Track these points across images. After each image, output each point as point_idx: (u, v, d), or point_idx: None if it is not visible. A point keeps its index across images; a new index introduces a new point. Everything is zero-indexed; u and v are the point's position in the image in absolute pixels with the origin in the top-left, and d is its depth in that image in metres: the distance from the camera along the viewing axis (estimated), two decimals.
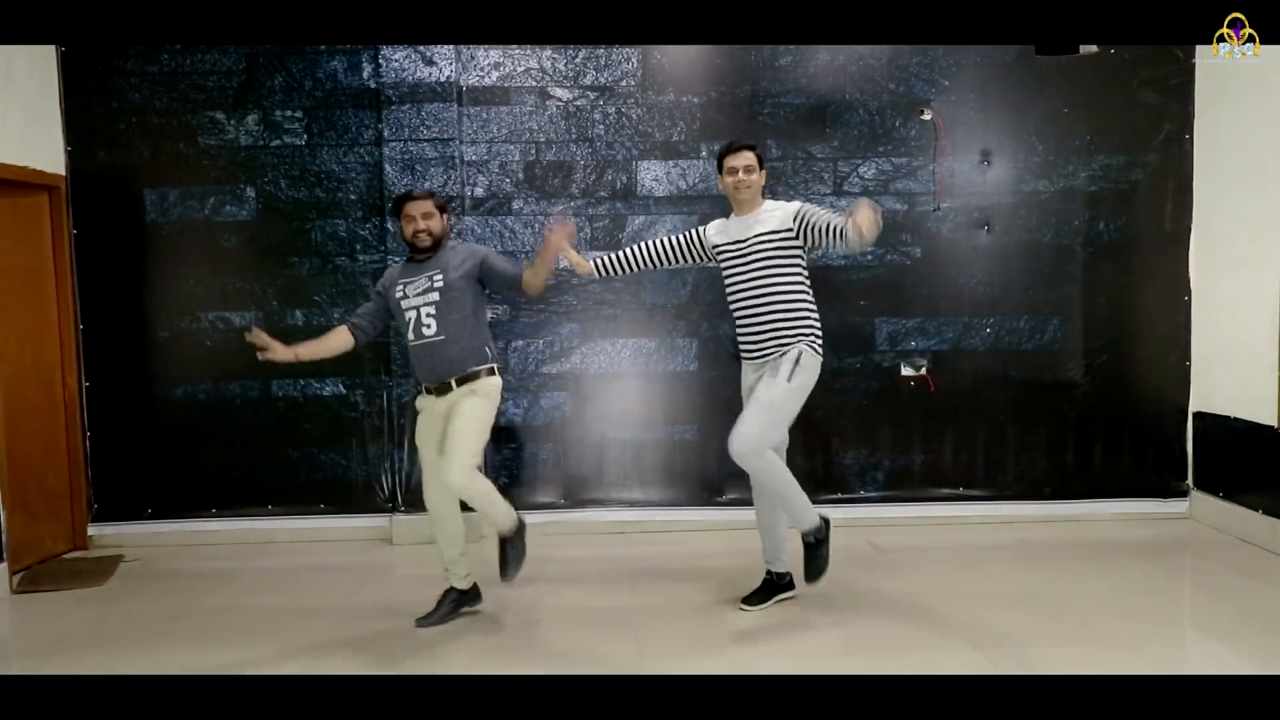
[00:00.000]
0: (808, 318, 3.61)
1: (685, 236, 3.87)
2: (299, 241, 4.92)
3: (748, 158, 3.62)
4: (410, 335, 3.67)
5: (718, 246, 3.74)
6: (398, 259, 4.68)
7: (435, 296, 3.62)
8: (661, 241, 3.91)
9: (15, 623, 3.95)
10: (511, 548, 3.70)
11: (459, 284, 3.63)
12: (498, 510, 3.64)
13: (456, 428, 3.54)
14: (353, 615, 3.88)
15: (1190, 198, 4.99)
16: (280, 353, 3.61)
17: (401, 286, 3.70)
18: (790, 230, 3.56)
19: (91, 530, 4.92)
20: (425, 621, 3.71)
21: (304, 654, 3.48)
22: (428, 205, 3.69)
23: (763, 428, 3.50)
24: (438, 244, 3.71)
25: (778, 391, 3.51)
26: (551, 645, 3.54)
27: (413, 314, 3.65)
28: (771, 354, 3.59)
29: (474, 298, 3.68)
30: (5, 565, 4.24)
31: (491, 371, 3.68)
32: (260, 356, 3.58)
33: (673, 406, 5.05)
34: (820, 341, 3.64)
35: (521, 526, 3.74)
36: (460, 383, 3.62)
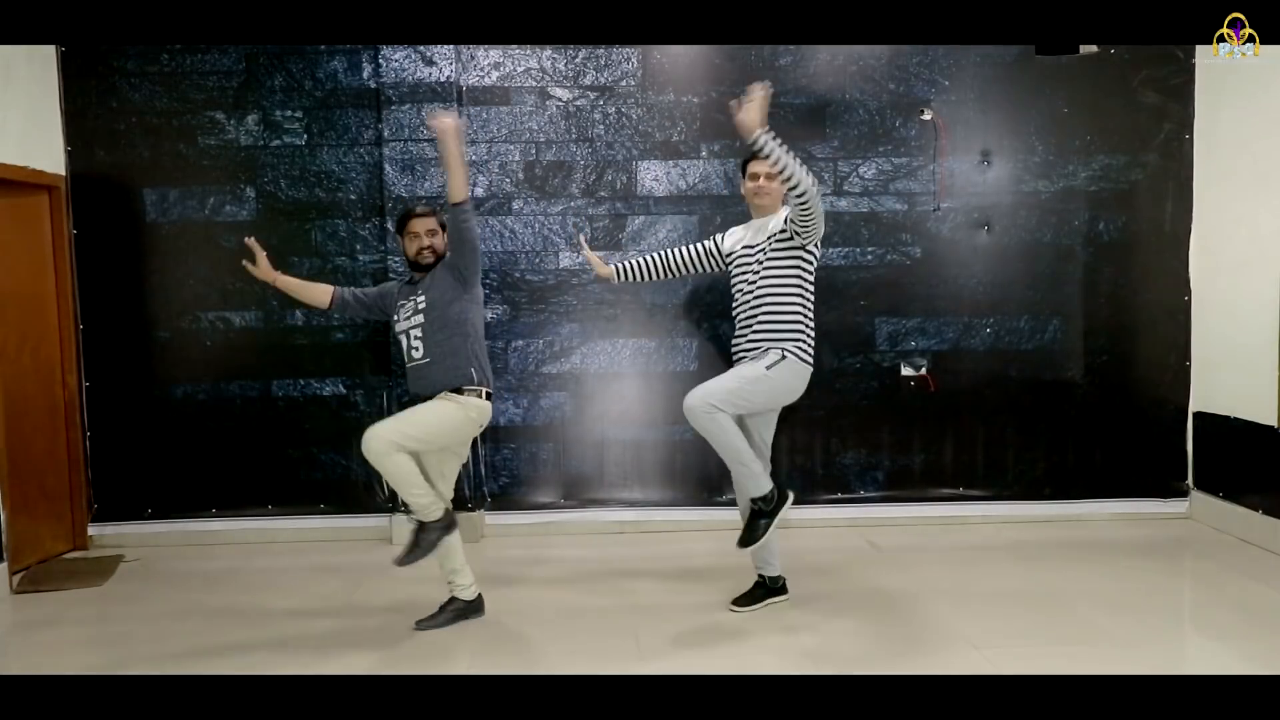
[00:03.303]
0: (801, 328, 3.60)
1: (702, 246, 3.89)
2: (299, 241, 4.92)
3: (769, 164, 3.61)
4: (405, 359, 3.71)
5: (732, 252, 3.75)
6: (397, 259, 4.69)
7: (420, 319, 3.63)
8: (681, 251, 3.93)
9: (15, 623, 3.94)
10: (423, 535, 3.53)
11: (439, 303, 3.61)
12: (417, 495, 3.48)
13: (416, 409, 3.54)
14: (353, 615, 3.88)
15: (1190, 198, 4.99)
16: (263, 269, 3.84)
17: (397, 310, 3.73)
18: (785, 231, 3.56)
19: (91, 530, 4.92)
20: (425, 624, 3.69)
21: (304, 654, 3.47)
22: (431, 222, 3.69)
23: (721, 391, 3.46)
24: (439, 261, 3.70)
25: (751, 371, 3.53)
26: (551, 645, 3.54)
27: (404, 338, 3.69)
28: (757, 350, 3.59)
29: (458, 315, 3.60)
30: (5, 565, 4.23)
31: (478, 394, 3.59)
32: (244, 263, 3.84)
33: (673, 406, 5.02)
34: (810, 352, 3.63)
35: (448, 526, 3.57)
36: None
